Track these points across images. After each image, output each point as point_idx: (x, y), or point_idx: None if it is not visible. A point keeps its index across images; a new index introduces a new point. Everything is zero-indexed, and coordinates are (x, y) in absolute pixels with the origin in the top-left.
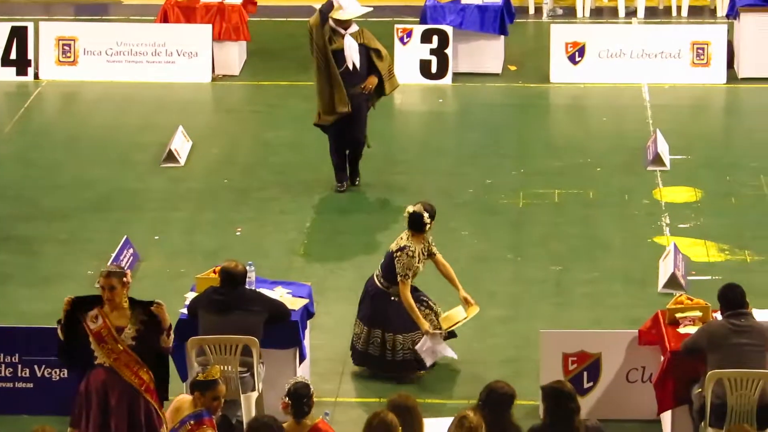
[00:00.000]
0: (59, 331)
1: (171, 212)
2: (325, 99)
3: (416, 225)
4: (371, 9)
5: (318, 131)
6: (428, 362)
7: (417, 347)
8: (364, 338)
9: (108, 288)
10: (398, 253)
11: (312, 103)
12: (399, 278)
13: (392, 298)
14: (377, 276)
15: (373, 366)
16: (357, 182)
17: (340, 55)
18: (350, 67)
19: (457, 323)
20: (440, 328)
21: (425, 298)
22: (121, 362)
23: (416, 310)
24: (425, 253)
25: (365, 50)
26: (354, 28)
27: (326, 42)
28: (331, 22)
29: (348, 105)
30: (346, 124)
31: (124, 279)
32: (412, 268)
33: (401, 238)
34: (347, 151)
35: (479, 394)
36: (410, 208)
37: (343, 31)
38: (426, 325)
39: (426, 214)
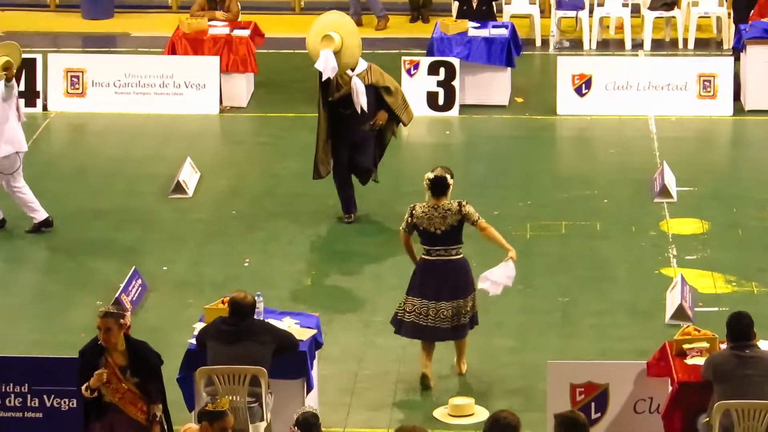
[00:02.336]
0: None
1: (179, 243)
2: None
3: (443, 188)
4: (358, 54)
5: None
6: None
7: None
8: (454, 313)
9: (104, 329)
10: (464, 209)
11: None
12: (479, 221)
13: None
14: (456, 252)
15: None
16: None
17: (347, 99)
18: (358, 111)
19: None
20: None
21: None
22: (126, 400)
23: (501, 238)
24: (447, 218)
25: (374, 90)
26: (362, 65)
27: (322, 94)
28: None
29: (328, 168)
30: (353, 155)
31: (122, 321)
32: (407, 224)
33: (439, 209)
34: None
35: (484, 423)
36: (430, 175)
37: (350, 73)
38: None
39: (448, 176)
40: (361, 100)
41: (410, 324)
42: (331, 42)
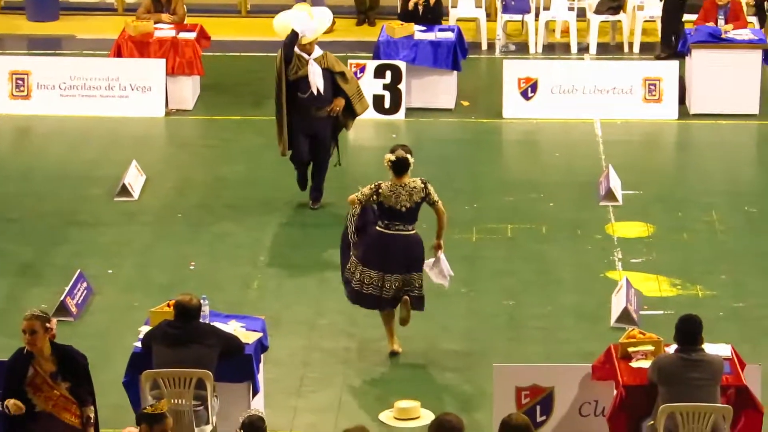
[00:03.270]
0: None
1: (125, 246)
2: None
3: (405, 168)
4: (329, 23)
5: (271, 166)
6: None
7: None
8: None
9: (29, 331)
10: (428, 188)
11: (265, 137)
12: (438, 203)
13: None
14: (412, 229)
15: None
16: (317, 206)
17: (304, 81)
18: (314, 92)
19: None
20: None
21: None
22: (60, 407)
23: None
24: (413, 195)
25: (329, 74)
26: (317, 52)
27: (284, 72)
28: (295, 48)
29: (286, 148)
30: (309, 147)
31: (47, 324)
32: (364, 197)
33: (406, 186)
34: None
35: (428, 427)
36: (392, 156)
37: (306, 57)
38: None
39: (409, 155)
40: (318, 82)
41: (369, 296)
42: (306, 6)
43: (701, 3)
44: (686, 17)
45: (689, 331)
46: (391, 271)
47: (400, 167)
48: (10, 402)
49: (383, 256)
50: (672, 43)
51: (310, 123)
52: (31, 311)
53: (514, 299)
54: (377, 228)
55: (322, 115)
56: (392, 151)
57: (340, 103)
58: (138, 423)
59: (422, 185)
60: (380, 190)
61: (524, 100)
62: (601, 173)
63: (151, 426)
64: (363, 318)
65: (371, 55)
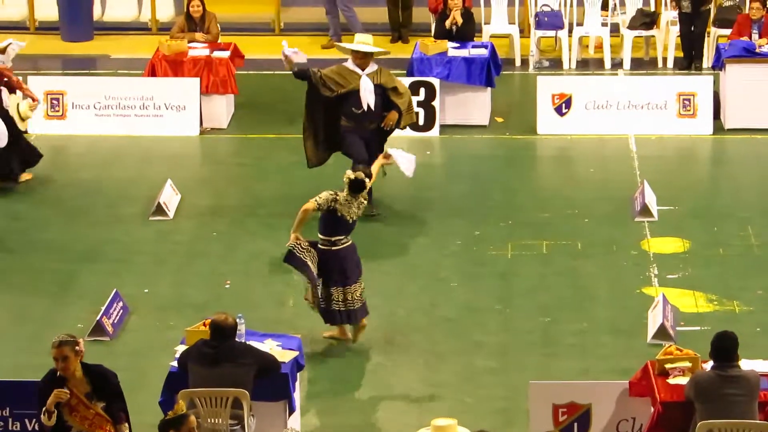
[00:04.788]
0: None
1: (160, 265)
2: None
3: (358, 188)
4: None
5: (305, 183)
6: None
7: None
8: (341, 299)
9: (61, 359)
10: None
11: (299, 155)
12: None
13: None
14: (350, 240)
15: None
16: (375, 211)
17: (355, 96)
18: (365, 108)
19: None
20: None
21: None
22: (96, 426)
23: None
24: (360, 208)
25: (381, 90)
26: (372, 67)
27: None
28: (350, 63)
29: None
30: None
31: (77, 348)
32: (324, 202)
33: (358, 200)
34: None
35: None
36: (351, 175)
37: (360, 72)
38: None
39: (368, 180)
40: (368, 98)
41: (340, 312)
42: (369, 36)
43: (735, 18)
44: (720, 32)
45: (725, 348)
46: (344, 284)
47: (356, 187)
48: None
49: (334, 271)
50: (688, 55)
51: (363, 133)
52: (59, 337)
53: (550, 316)
54: (321, 247)
55: (373, 128)
56: (354, 170)
57: (393, 117)
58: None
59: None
60: (338, 198)
61: (558, 116)
62: (636, 189)
63: (178, 429)
64: (399, 336)
65: (405, 72)
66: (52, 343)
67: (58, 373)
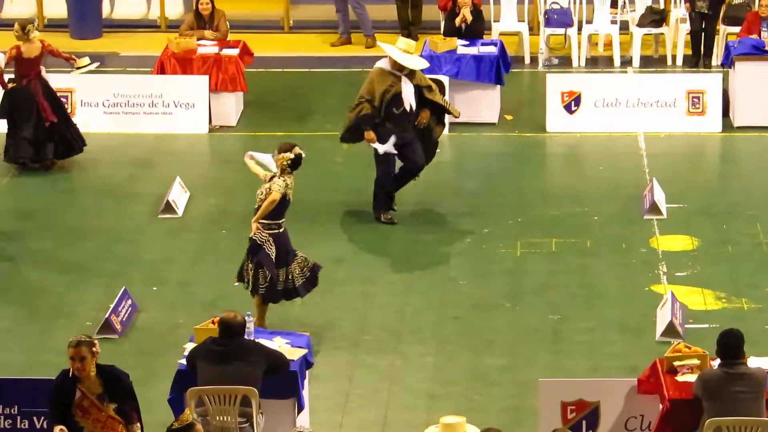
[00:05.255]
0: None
1: (169, 263)
2: None
3: (299, 164)
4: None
5: (314, 181)
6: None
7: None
8: (284, 278)
9: (78, 359)
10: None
11: (307, 152)
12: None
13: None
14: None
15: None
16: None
17: (397, 98)
18: (407, 109)
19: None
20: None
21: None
22: (108, 428)
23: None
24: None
25: (418, 90)
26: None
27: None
28: (384, 64)
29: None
30: (404, 153)
31: (94, 349)
32: (286, 189)
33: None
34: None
35: None
36: (291, 155)
37: (399, 74)
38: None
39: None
40: (410, 99)
41: (280, 292)
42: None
43: (744, 16)
44: (729, 30)
45: (729, 345)
46: (287, 264)
47: (298, 164)
48: (57, 429)
49: (281, 253)
50: (697, 53)
51: (402, 134)
52: (77, 337)
53: (559, 313)
54: (271, 232)
55: (410, 128)
56: (287, 150)
57: (426, 115)
58: None
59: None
60: (288, 182)
61: (568, 114)
62: (645, 186)
63: None
64: (408, 334)
65: None
66: (70, 342)
67: (71, 373)
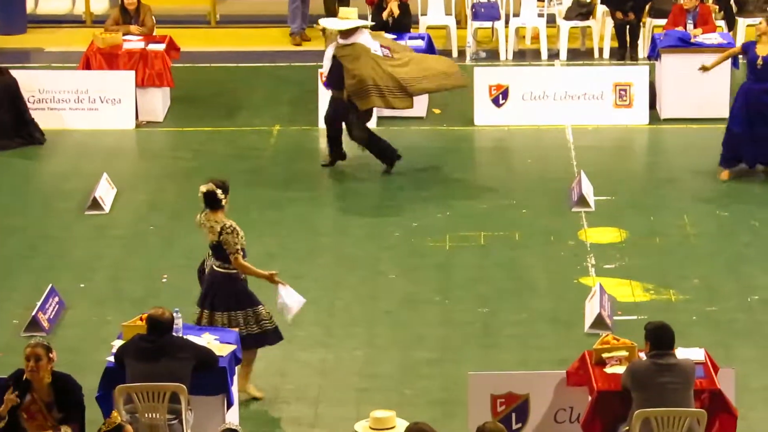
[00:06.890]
0: None
1: (96, 260)
2: None
3: (213, 202)
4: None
5: (243, 177)
6: (290, 314)
7: (278, 305)
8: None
9: (33, 357)
10: (223, 235)
11: (235, 147)
12: (232, 256)
13: (242, 278)
14: (219, 266)
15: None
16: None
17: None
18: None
19: None
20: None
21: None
22: None
23: (257, 270)
24: (215, 233)
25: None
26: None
27: None
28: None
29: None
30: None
31: (50, 354)
32: (240, 242)
33: (210, 221)
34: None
35: None
36: (203, 188)
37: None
38: (266, 273)
39: (219, 190)
40: (326, 61)
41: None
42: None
43: (670, 8)
44: (655, 22)
45: (659, 336)
46: (210, 308)
47: (209, 201)
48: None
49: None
50: (623, 45)
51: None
52: (36, 340)
53: (488, 306)
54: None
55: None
56: (205, 184)
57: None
58: None
59: (219, 230)
60: (198, 219)
61: (495, 107)
62: (573, 179)
63: None
64: (339, 329)
65: None
66: (29, 343)
67: (25, 377)
